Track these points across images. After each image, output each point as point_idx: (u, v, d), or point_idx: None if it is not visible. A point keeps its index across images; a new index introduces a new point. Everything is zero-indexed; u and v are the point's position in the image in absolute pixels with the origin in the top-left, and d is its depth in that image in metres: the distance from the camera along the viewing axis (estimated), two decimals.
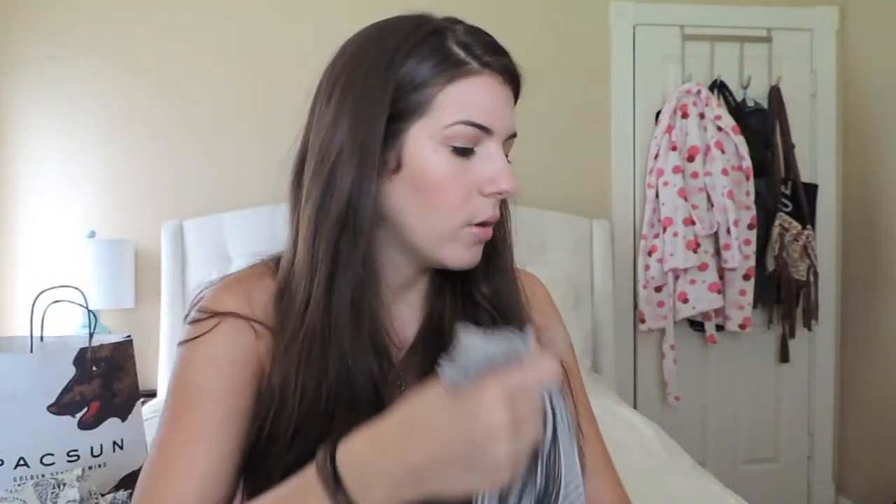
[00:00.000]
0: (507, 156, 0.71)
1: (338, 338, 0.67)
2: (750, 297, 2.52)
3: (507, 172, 0.68)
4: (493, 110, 0.68)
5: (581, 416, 0.77)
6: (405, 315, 0.77)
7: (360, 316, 0.68)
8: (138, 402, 0.78)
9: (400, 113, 0.67)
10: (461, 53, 0.67)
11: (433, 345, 0.73)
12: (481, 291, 0.75)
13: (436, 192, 0.67)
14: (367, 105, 0.66)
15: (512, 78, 0.71)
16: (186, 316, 0.72)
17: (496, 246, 0.76)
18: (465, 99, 0.67)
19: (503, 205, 0.76)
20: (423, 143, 0.67)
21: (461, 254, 0.70)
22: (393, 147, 0.67)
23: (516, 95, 0.72)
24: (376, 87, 0.66)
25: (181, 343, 0.71)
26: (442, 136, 0.66)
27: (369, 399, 0.67)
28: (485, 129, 0.67)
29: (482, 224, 0.69)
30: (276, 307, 0.71)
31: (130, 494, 0.75)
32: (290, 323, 0.69)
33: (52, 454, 0.72)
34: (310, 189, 0.69)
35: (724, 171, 2.44)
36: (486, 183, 0.68)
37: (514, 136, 0.71)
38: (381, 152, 0.67)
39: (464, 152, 0.67)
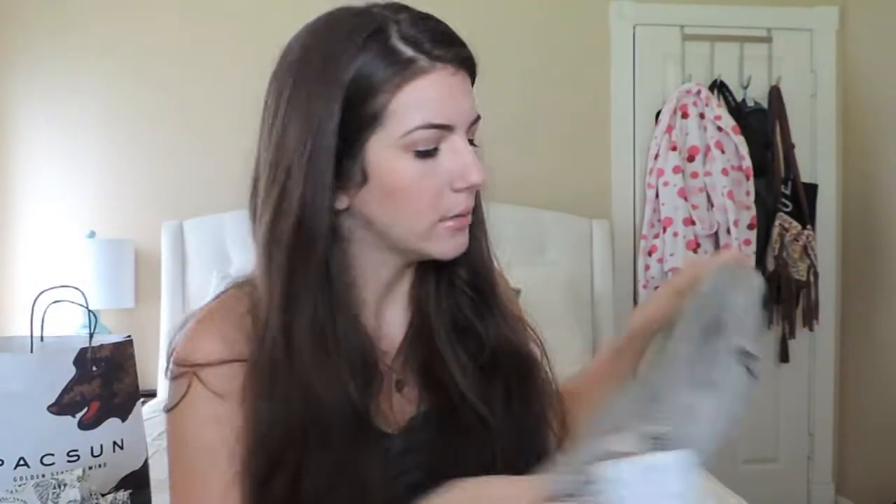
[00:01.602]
0: (472, 141, 0.69)
1: (300, 363, 0.65)
2: None
3: (474, 165, 0.66)
4: (449, 105, 0.65)
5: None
6: (395, 315, 0.76)
7: (322, 339, 0.65)
8: (138, 402, 0.78)
9: (354, 125, 0.63)
10: (408, 51, 0.63)
11: (423, 341, 0.74)
12: (460, 275, 0.75)
13: (406, 198, 0.65)
14: (314, 119, 0.63)
15: (466, 63, 0.67)
16: (167, 370, 0.68)
17: (471, 230, 0.74)
18: (420, 101, 0.63)
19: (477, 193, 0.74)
20: (384, 152, 0.64)
21: (443, 247, 0.69)
22: (355, 160, 0.64)
23: (473, 76, 0.69)
24: (323, 100, 0.63)
25: (168, 410, 0.67)
26: (403, 144, 0.63)
27: (345, 423, 0.65)
28: (445, 127, 0.65)
29: (458, 216, 0.68)
30: (250, 336, 0.68)
31: (131, 494, 0.75)
32: (255, 351, 0.66)
33: (53, 454, 0.72)
34: (262, 210, 0.68)
35: (724, 171, 2.44)
36: (455, 179, 0.66)
37: (477, 119, 0.69)
38: (341, 166, 0.64)
39: (427, 154, 0.65)
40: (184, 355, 0.67)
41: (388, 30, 0.63)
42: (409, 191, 0.65)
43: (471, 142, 0.68)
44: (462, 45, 0.67)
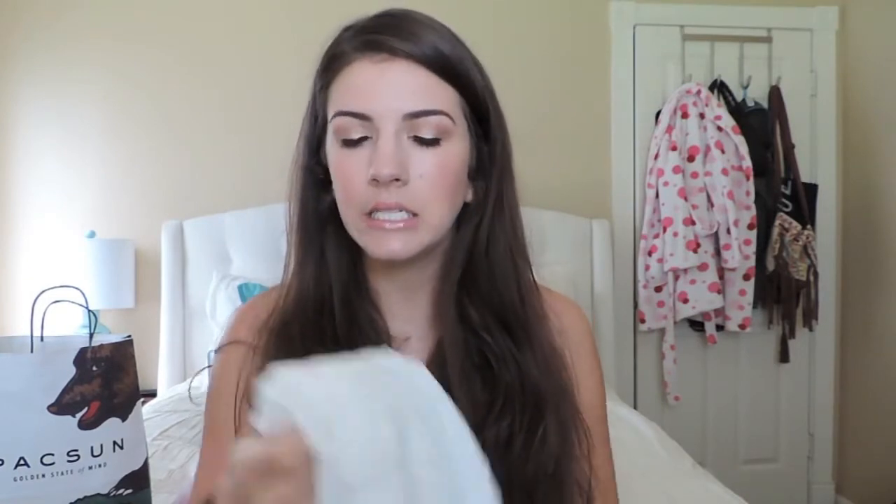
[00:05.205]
0: (431, 136, 0.64)
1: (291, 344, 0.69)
2: (750, 297, 2.52)
3: (382, 156, 0.62)
4: (366, 94, 0.63)
5: (596, 457, 0.77)
6: (418, 321, 0.75)
7: (301, 328, 0.70)
8: (138, 402, 0.78)
9: (322, 129, 0.70)
10: (340, 48, 0.67)
11: (440, 368, 0.69)
12: (476, 308, 0.70)
13: (337, 188, 0.68)
14: (303, 126, 0.72)
15: (408, 54, 0.63)
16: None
17: (491, 254, 0.71)
18: (341, 89, 0.66)
19: (497, 208, 0.71)
20: (329, 146, 0.68)
21: (370, 247, 0.66)
22: (323, 161, 0.71)
23: (438, 69, 0.64)
24: (307, 110, 0.72)
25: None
26: (332, 132, 0.67)
27: None
28: (361, 116, 0.63)
29: (375, 212, 0.65)
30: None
31: (131, 494, 0.75)
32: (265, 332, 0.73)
33: (53, 454, 0.72)
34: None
35: (724, 171, 2.44)
36: (369, 170, 0.64)
37: (427, 113, 0.63)
38: (321, 166, 0.71)
39: (350, 143, 0.65)
40: (224, 336, 0.77)
41: (342, 34, 0.68)
42: (336, 180, 0.68)
43: (420, 139, 0.64)
44: (403, 37, 0.63)
